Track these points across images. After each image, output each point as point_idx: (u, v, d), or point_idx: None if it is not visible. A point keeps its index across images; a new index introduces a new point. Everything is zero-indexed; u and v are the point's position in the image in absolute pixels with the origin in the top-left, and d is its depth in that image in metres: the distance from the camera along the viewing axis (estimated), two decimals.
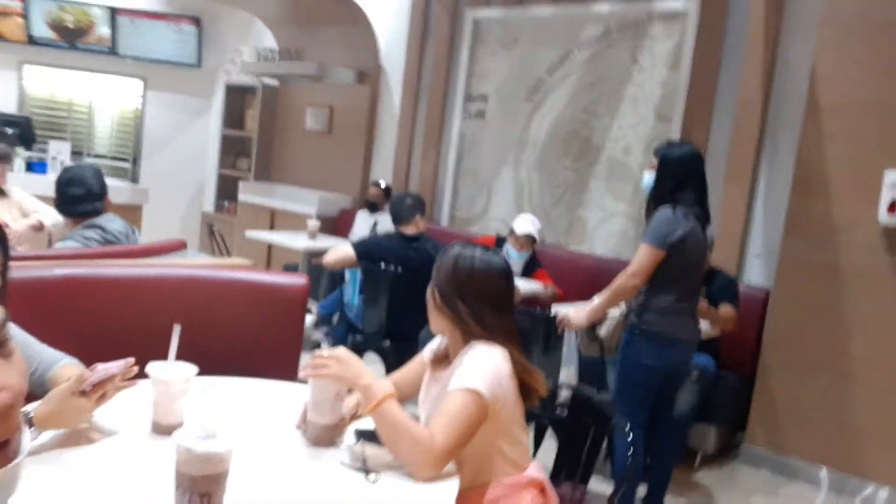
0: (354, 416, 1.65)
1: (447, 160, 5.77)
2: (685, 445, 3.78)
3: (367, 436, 1.57)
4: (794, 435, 3.89)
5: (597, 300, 2.94)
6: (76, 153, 7.11)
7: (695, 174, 2.87)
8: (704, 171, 2.91)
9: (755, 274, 4.34)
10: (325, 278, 5.03)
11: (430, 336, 1.86)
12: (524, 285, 4.16)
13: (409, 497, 1.39)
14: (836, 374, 3.77)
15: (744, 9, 4.25)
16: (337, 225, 6.12)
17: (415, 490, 1.41)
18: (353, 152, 6.38)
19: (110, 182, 3.21)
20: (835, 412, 3.77)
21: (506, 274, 1.71)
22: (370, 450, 1.51)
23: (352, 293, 4.28)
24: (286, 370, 2.24)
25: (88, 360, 1.59)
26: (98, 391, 1.45)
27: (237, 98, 7.46)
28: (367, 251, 3.86)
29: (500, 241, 4.57)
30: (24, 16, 6.95)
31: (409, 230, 3.88)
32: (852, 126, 3.74)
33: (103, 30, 7.19)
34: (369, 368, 1.58)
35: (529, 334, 3.03)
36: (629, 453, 1.76)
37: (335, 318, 4.70)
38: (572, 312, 3.05)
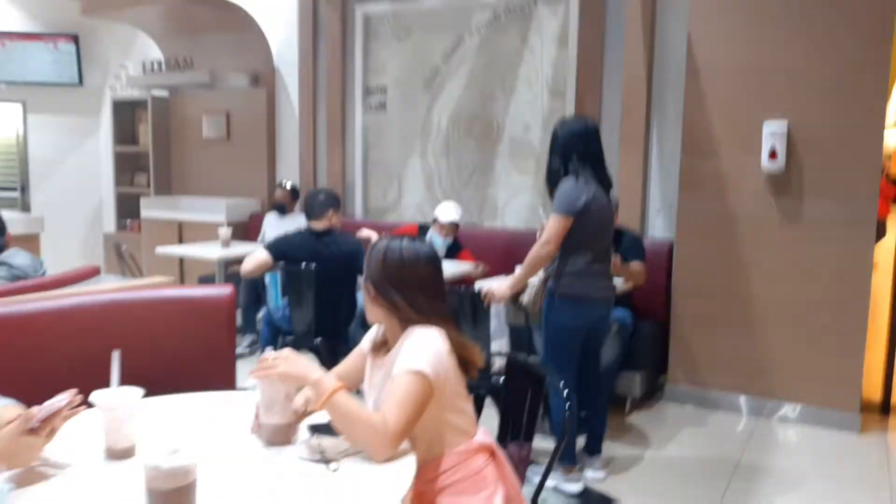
0: (304, 413, 1.71)
1: (354, 154, 5.80)
2: (614, 393, 4.02)
3: (321, 429, 1.64)
4: (711, 370, 4.21)
5: (518, 271, 3.09)
6: None
7: (587, 145, 3.00)
8: (599, 140, 3.07)
9: (658, 228, 4.63)
10: (242, 287, 4.98)
11: (361, 332, 1.93)
12: (456, 267, 4.28)
13: (371, 478, 1.46)
14: (741, 311, 4.10)
15: None
16: (248, 230, 6.06)
17: (376, 471, 1.49)
18: (255, 156, 6.31)
19: None
20: (745, 345, 4.10)
21: (433, 260, 1.81)
22: (326, 441, 1.57)
23: (274, 296, 4.28)
24: (225, 380, 2.27)
25: (29, 399, 1.56)
26: (47, 426, 1.45)
27: (126, 113, 7.19)
28: (281, 250, 3.87)
29: (423, 230, 4.66)
30: None
31: (320, 226, 3.91)
32: (730, 85, 4.02)
33: None
34: (315, 364, 1.65)
35: (458, 311, 3.14)
36: (565, 409, 1.89)
37: (258, 319, 4.70)
38: (495, 286, 3.19)
